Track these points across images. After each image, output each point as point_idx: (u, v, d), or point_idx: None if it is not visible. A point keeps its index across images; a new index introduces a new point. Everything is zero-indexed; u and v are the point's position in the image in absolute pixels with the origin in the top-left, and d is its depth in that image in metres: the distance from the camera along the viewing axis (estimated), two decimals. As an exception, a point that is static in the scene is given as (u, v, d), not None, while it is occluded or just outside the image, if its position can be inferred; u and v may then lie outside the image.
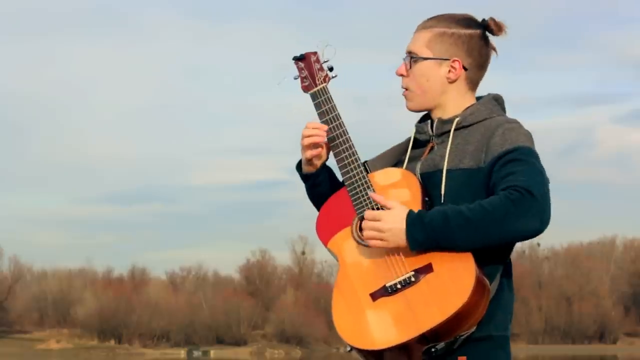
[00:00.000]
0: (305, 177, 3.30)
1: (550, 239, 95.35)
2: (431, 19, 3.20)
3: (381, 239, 2.97)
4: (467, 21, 3.19)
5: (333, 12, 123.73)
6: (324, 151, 3.24)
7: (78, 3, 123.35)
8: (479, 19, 3.21)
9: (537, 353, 77.89)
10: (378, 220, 2.98)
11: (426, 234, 2.92)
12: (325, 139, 3.19)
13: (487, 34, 3.20)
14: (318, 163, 3.26)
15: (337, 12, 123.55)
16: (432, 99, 3.18)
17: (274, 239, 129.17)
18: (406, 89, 3.21)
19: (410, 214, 2.95)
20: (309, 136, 3.19)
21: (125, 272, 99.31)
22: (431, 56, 3.15)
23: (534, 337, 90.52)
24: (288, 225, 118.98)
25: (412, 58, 3.18)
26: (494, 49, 3.21)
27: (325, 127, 3.18)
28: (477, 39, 3.17)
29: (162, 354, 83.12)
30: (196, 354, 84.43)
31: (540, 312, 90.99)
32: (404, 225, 2.94)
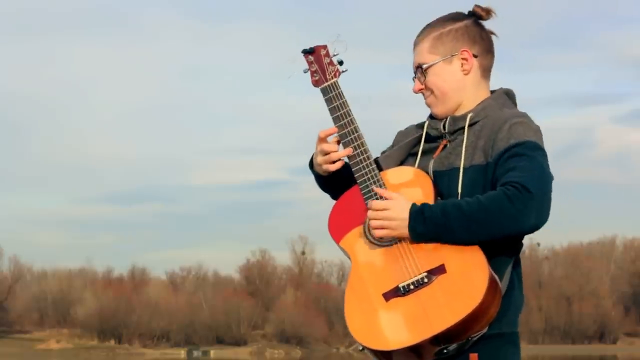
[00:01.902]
0: (318, 177, 3.31)
1: (550, 239, 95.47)
2: (422, 30, 3.24)
3: (388, 228, 2.99)
4: (456, 15, 3.23)
5: (333, 12, 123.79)
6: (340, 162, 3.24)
7: (78, 3, 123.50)
8: (465, 12, 3.24)
9: (537, 353, 77.85)
10: (386, 210, 3.00)
11: (426, 227, 2.94)
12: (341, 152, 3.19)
13: (479, 21, 3.23)
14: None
15: (337, 12, 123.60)
16: (454, 99, 3.19)
17: (274, 239, 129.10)
18: (427, 97, 3.23)
19: (413, 206, 2.98)
20: (327, 154, 3.20)
21: (125, 272, 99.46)
22: (439, 59, 3.18)
23: (534, 337, 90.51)
24: (288, 225, 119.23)
25: (422, 68, 3.20)
26: (493, 33, 3.24)
27: (337, 149, 3.18)
28: (472, 27, 3.20)
29: (162, 354, 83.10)
30: (196, 354, 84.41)
31: (540, 312, 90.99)
32: (407, 216, 2.97)
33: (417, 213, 2.96)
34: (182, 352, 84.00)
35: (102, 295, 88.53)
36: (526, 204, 2.87)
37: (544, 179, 2.94)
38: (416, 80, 3.23)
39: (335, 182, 3.26)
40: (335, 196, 3.26)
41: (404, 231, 2.98)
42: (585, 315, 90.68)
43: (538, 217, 2.90)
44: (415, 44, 3.23)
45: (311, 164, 3.32)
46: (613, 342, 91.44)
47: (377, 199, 3.07)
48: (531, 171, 2.93)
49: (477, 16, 3.22)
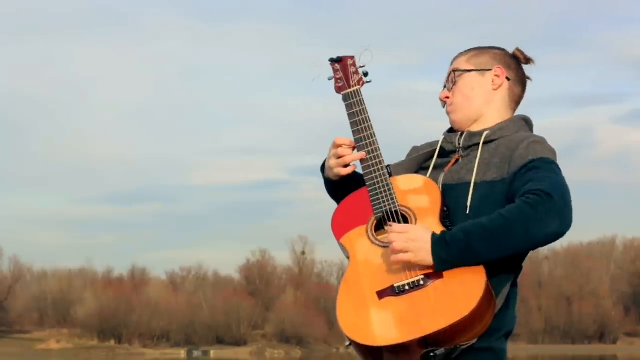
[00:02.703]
0: (328, 181, 3.34)
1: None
2: (465, 49, 3.32)
3: (410, 250, 2.97)
4: (498, 46, 3.32)
5: (333, 12, 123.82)
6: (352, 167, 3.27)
7: (78, 3, 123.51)
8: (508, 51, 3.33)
9: (537, 353, 77.89)
10: (407, 232, 2.99)
11: (450, 252, 2.93)
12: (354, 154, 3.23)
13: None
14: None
15: (337, 12, 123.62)
16: (477, 109, 3.24)
17: (274, 239, 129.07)
18: (451, 103, 3.27)
19: (434, 234, 2.97)
20: (341, 157, 3.23)
21: (125, 272, 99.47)
22: (474, 68, 3.25)
23: (534, 337, 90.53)
24: (288, 225, 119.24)
25: (456, 73, 3.26)
26: (528, 78, 3.32)
27: (352, 145, 3.22)
28: (511, 57, 3.30)
29: (162, 354, 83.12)
30: (196, 354, 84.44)
31: (540, 312, 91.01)
32: (429, 243, 2.96)
33: (439, 240, 2.95)
34: (182, 352, 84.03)
35: (102, 295, 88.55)
36: (549, 209, 2.88)
37: (563, 187, 2.97)
38: (445, 88, 3.30)
39: (344, 188, 3.28)
40: (336, 201, 3.29)
41: (426, 256, 2.96)
42: (585, 315, 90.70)
43: (562, 221, 2.91)
44: (454, 58, 3.32)
45: (322, 169, 3.35)
46: (613, 342, 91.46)
47: (389, 207, 3.09)
48: (549, 179, 2.96)
49: (516, 58, 3.31)
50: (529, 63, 3.31)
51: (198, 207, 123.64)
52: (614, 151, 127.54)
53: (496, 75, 3.24)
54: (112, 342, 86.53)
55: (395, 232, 3.00)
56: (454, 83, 3.26)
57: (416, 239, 2.97)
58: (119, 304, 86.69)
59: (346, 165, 3.25)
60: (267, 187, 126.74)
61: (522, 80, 3.30)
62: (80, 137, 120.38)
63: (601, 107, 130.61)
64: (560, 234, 2.93)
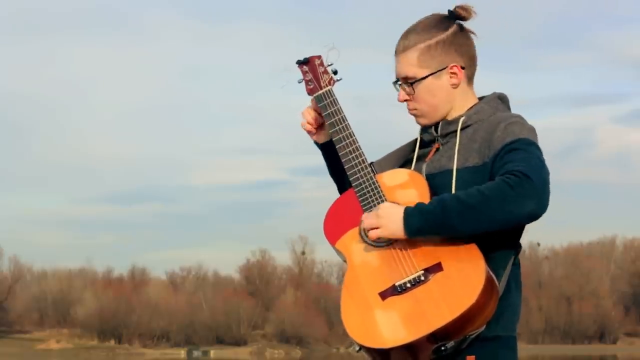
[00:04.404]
0: (320, 147, 3.35)
1: (550, 239, 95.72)
2: (407, 37, 3.17)
3: (378, 226, 2.98)
4: (441, 22, 3.17)
5: (333, 12, 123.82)
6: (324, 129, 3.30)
7: (78, 3, 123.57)
8: (445, 12, 3.19)
9: (537, 353, 77.89)
10: (377, 210, 3.00)
11: (423, 221, 2.93)
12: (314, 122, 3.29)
13: (460, 22, 3.19)
14: (323, 136, 3.33)
15: (337, 12, 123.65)
16: (442, 110, 3.19)
17: (274, 239, 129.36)
18: (414, 109, 3.21)
19: (407, 207, 2.97)
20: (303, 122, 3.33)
21: (125, 272, 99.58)
22: (428, 73, 3.15)
23: (534, 337, 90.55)
24: (288, 225, 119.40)
25: (411, 82, 3.16)
26: (473, 33, 3.20)
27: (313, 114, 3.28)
28: (458, 35, 3.17)
29: (162, 354, 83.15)
30: (196, 354, 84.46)
31: (540, 312, 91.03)
32: (401, 214, 2.95)
33: (413, 209, 2.95)
34: (182, 352, 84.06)
35: (102, 295, 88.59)
36: (527, 190, 2.87)
37: (542, 169, 2.95)
38: (401, 89, 3.21)
39: (335, 160, 3.26)
40: (340, 184, 3.30)
41: (395, 228, 2.96)
42: (585, 315, 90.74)
43: (539, 203, 2.89)
44: (400, 50, 3.18)
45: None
46: (613, 342, 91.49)
47: (373, 202, 3.09)
48: (529, 161, 2.94)
49: (459, 17, 3.18)
50: (472, 15, 3.17)
51: (198, 207, 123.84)
52: (614, 151, 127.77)
53: (453, 73, 3.16)
54: (112, 342, 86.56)
55: (368, 218, 3.02)
56: (413, 90, 3.17)
57: (384, 214, 2.97)
58: (119, 304, 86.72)
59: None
60: (267, 187, 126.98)
61: (473, 55, 3.20)
62: (80, 137, 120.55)
63: (601, 107, 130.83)
64: (535, 215, 2.91)
